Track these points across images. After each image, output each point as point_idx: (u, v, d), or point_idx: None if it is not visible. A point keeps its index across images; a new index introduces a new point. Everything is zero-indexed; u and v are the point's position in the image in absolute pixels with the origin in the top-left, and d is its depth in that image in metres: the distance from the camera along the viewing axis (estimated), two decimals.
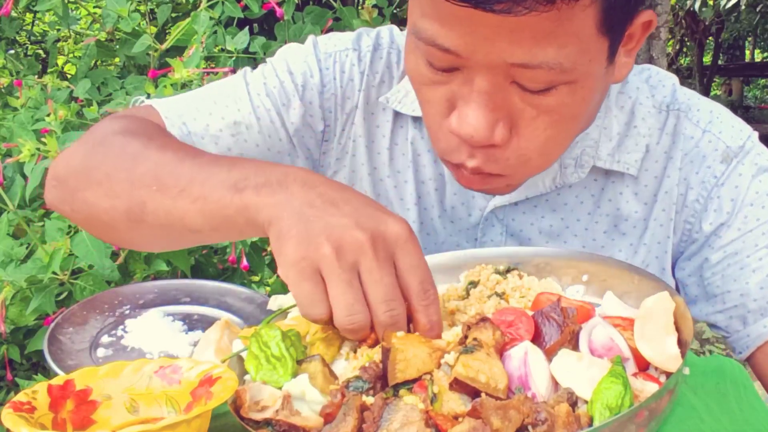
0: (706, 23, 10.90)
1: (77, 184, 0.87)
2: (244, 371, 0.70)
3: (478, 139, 0.75)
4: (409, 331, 0.69)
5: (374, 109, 1.01)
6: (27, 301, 1.62)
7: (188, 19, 1.92)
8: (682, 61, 13.65)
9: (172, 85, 1.69)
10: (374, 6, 2.21)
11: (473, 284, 0.82)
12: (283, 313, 0.77)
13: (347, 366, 0.70)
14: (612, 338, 0.67)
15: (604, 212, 0.97)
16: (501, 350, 0.66)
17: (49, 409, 0.62)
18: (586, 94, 0.76)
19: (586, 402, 0.60)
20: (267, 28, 2.57)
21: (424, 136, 1.00)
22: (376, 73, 1.01)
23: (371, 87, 1.01)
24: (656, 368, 0.66)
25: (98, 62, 2.53)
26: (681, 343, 0.65)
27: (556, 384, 0.63)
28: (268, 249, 1.98)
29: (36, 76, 2.09)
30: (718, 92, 14.40)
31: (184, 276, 1.76)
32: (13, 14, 2.27)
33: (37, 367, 2.11)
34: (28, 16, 2.84)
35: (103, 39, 2.29)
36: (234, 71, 1.80)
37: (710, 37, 12.52)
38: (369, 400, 0.61)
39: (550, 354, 0.65)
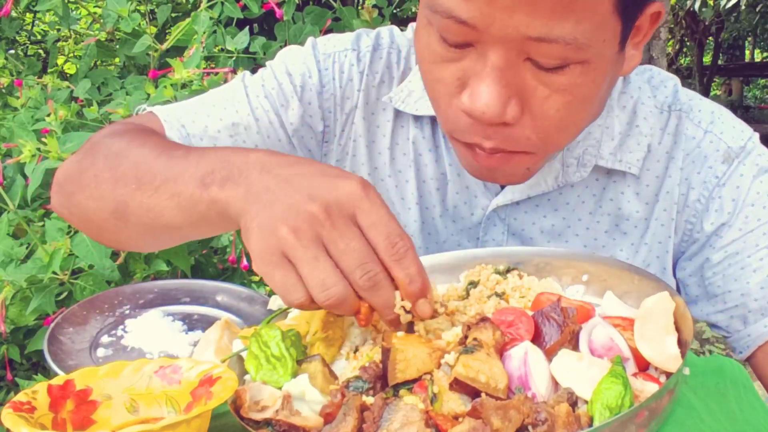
0: (706, 23, 10.90)
1: (72, 188, 0.89)
2: (244, 371, 0.70)
3: (490, 116, 0.74)
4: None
5: (374, 109, 1.01)
6: (27, 301, 1.62)
7: (188, 19, 1.92)
8: (681, 61, 13.65)
9: (172, 85, 1.69)
10: (374, 6, 2.21)
11: (473, 284, 0.82)
12: (283, 313, 0.77)
13: (347, 366, 0.70)
14: (612, 338, 0.67)
15: (606, 212, 0.97)
16: (501, 350, 0.66)
17: (49, 409, 0.62)
18: (597, 76, 0.76)
19: (586, 402, 0.60)
20: (267, 28, 2.57)
21: (426, 136, 1.00)
22: (375, 73, 1.01)
23: (371, 87, 1.01)
24: (656, 368, 0.66)
25: (98, 62, 2.53)
26: (681, 343, 0.65)
27: (556, 384, 0.63)
28: None
29: (36, 76, 2.09)
30: (718, 92, 14.40)
31: (184, 276, 1.76)
32: (13, 14, 2.27)
33: (37, 367, 2.11)
34: (28, 16, 2.84)
35: (103, 39, 2.29)
36: (234, 71, 1.81)
37: (710, 37, 12.53)
38: (369, 400, 0.61)
39: (550, 354, 0.65)
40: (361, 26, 2.10)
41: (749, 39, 15.69)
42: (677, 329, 0.67)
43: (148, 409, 0.65)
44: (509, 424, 0.56)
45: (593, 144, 0.94)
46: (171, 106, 1.01)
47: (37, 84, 1.92)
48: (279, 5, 1.99)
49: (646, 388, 0.61)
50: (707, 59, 13.04)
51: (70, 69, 2.86)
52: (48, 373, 1.81)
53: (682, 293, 0.99)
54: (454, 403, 0.61)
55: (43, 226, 1.64)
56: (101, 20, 2.05)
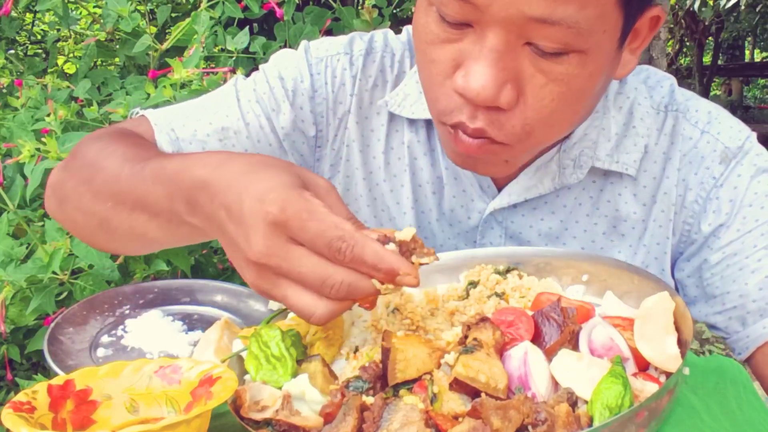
0: (706, 23, 10.89)
1: (60, 197, 0.92)
2: (244, 371, 0.70)
3: (484, 97, 0.74)
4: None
5: (368, 113, 1.01)
6: (27, 301, 1.62)
7: (188, 19, 1.91)
8: (681, 61, 13.64)
9: (171, 85, 1.69)
10: (374, 6, 2.21)
11: (473, 284, 0.82)
12: (283, 313, 0.77)
13: (347, 366, 0.70)
14: (612, 338, 0.67)
15: (603, 214, 0.97)
16: (501, 350, 0.66)
17: (49, 409, 0.62)
18: (594, 70, 0.76)
19: (586, 402, 0.60)
20: (267, 28, 2.57)
21: (421, 140, 0.99)
22: (368, 77, 1.00)
23: (364, 91, 1.00)
24: (656, 368, 0.66)
25: (98, 62, 2.53)
26: (681, 343, 0.65)
27: (556, 384, 0.63)
28: None
29: (37, 77, 2.08)
30: (718, 92, 14.40)
31: (184, 276, 1.76)
32: (13, 14, 2.27)
33: (37, 367, 2.11)
34: (28, 16, 2.84)
35: (103, 39, 2.29)
36: (234, 71, 1.81)
37: (710, 37, 12.52)
38: (369, 400, 0.61)
39: (550, 354, 0.65)
40: (361, 26, 2.11)
41: (749, 39, 15.69)
42: (677, 329, 0.67)
43: (148, 409, 0.65)
44: (509, 424, 0.56)
45: (590, 145, 0.93)
46: (163, 109, 1.01)
47: (37, 84, 1.91)
48: (279, 5, 1.99)
49: (646, 388, 0.61)
50: (707, 59, 13.04)
51: (70, 69, 2.86)
52: (48, 373, 1.81)
53: (681, 294, 0.99)
54: (454, 403, 0.61)
55: (43, 226, 1.64)
56: (101, 20, 2.05)
